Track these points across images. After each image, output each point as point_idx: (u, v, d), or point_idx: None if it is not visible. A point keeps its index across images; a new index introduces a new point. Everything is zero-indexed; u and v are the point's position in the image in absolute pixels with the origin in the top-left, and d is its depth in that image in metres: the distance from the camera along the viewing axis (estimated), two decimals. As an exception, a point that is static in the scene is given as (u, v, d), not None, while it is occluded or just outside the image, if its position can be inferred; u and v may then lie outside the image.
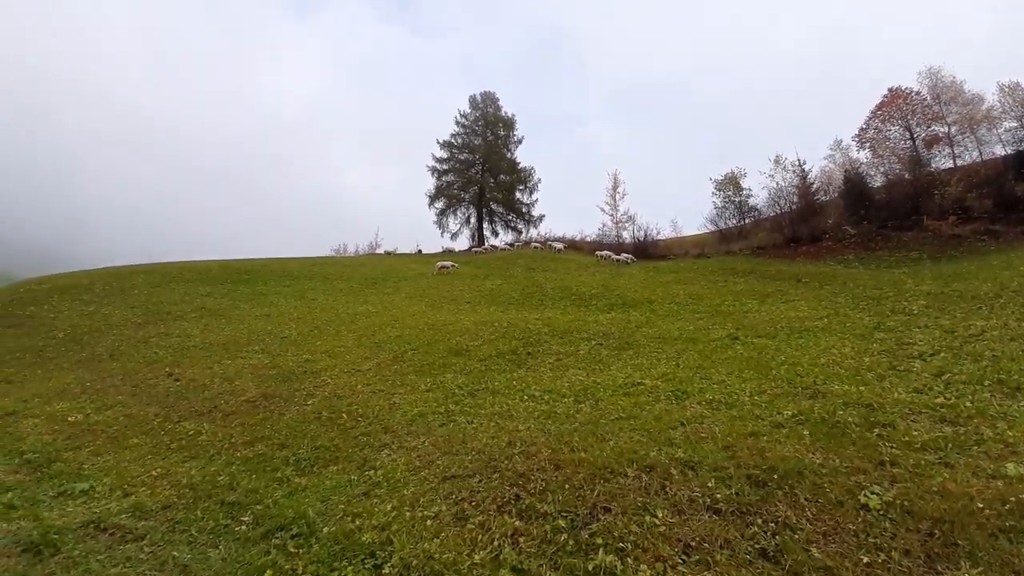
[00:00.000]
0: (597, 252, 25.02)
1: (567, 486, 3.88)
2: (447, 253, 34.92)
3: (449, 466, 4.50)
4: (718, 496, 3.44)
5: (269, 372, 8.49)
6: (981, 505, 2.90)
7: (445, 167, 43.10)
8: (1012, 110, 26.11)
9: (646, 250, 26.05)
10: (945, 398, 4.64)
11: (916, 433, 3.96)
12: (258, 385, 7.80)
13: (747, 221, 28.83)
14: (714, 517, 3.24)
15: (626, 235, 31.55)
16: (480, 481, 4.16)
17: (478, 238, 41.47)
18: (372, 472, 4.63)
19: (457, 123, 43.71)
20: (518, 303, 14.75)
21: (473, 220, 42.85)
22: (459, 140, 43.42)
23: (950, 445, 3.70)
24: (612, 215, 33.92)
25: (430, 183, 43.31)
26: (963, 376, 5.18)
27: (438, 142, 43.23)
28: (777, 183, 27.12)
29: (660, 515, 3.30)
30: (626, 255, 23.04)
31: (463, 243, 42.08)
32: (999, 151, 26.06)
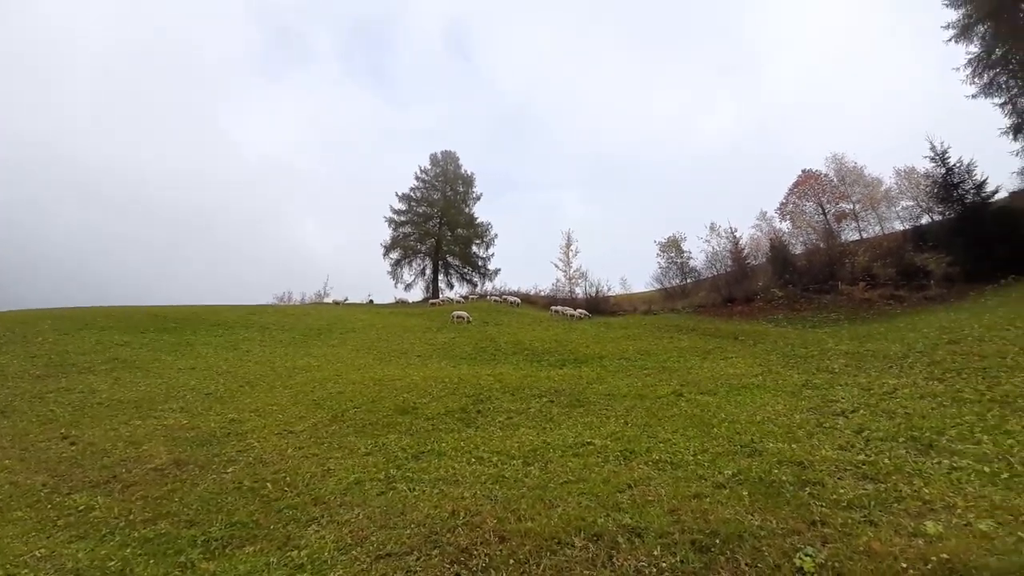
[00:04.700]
0: (552, 307, 25.50)
1: (512, 561, 3.65)
2: (400, 303, 34.27)
3: (385, 542, 4.11)
4: (664, 565, 3.36)
5: (185, 434, 7.62)
6: (905, 565, 3.02)
7: (403, 219, 43.46)
8: (907, 191, 30.60)
9: (598, 306, 26.90)
10: (866, 455, 4.93)
11: (843, 491, 4.14)
12: (170, 450, 6.94)
13: (688, 281, 30.87)
14: (660, 589, 3.14)
15: (578, 291, 32.56)
16: (418, 559, 3.82)
17: (433, 290, 41.21)
18: (295, 552, 4.13)
19: (417, 178, 44.79)
20: (470, 358, 14.50)
21: (428, 272, 42.80)
22: (418, 194, 44.26)
23: (873, 503, 3.88)
24: (565, 271, 35.08)
25: (386, 235, 43.33)
26: (880, 433, 5.56)
27: (397, 195, 43.88)
28: (713, 248, 29.56)
29: (606, 590, 3.16)
30: (581, 311, 23.62)
31: (417, 294, 41.64)
32: (898, 226, 30.14)
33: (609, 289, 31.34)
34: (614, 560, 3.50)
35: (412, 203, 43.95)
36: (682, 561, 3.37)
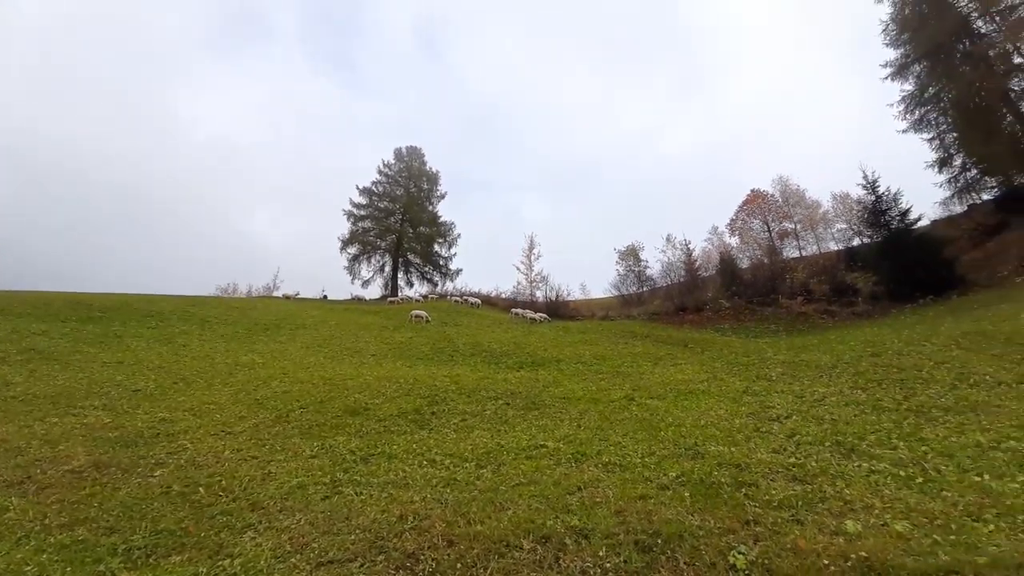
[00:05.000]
0: (512, 310, 25.59)
1: (459, 565, 3.60)
2: (356, 300, 33.24)
3: (327, 549, 3.94)
4: (608, 566, 3.43)
5: (108, 434, 7.00)
6: (827, 562, 3.24)
7: (363, 213, 42.28)
8: (842, 214, 33.31)
9: (558, 310, 27.30)
10: (796, 458, 5.28)
11: (774, 492, 4.40)
12: (90, 450, 6.35)
13: (645, 289, 31.99)
14: (604, 589, 3.21)
15: (539, 294, 32.98)
16: (362, 566, 3.69)
17: (392, 287, 40.31)
18: (228, 562, 3.88)
19: (380, 172, 43.76)
20: (427, 358, 14.28)
21: (388, 269, 41.88)
22: (380, 188, 43.23)
23: (800, 503, 4.16)
24: (527, 274, 35.44)
25: (344, 228, 41.96)
26: (809, 437, 5.97)
27: (358, 188, 42.70)
28: (668, 258, 30.89)
29: (552, 592, 3.19)
30: (541, 314, 23.86)
31: (375, 291, 40.61)
32: (833, 246, 32.71)
33: (569, 294, 31.99)
34: (561, 561, 3.53)
35: (373, 197, 42.84)
36: (626, 561, 3.46)
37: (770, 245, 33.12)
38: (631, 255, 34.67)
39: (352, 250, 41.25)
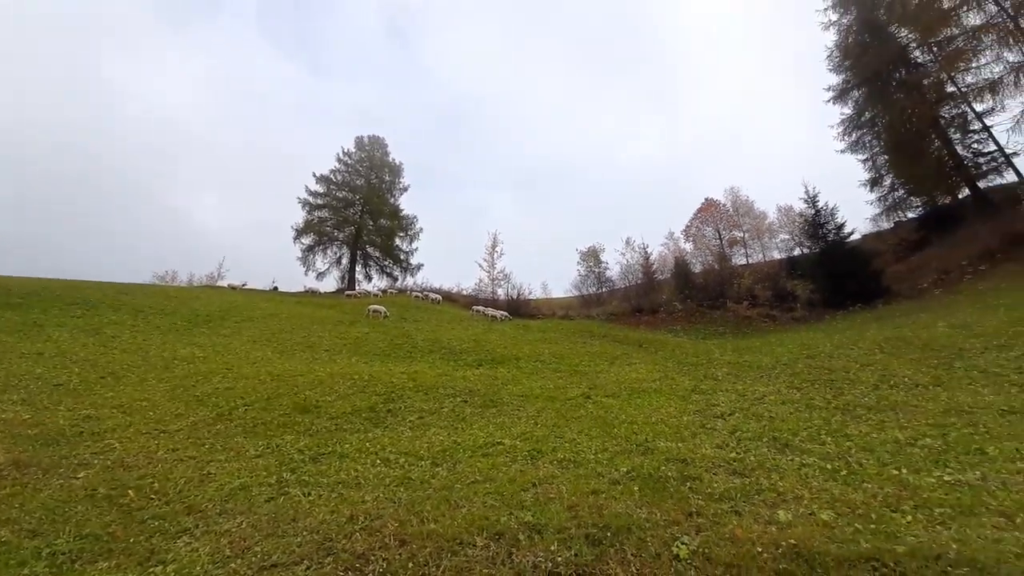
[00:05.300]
0: (474, 307, 25.47)
1: (411, 564, 3.56)
2: (310, 293, 31.97)
3: (271, 552, 3.78)
4: (559, 560, 3.50)
5: (28, 431, 6.37)
6: (760, 549, 3.46)
7: (320, 202, 40.56)
8: (785, 226, 35.60)
9: (519, 308, 27.44)
10: (737, 453, 5.61)
11: (716, 485, 4.66)
12: (8, 448, 5.76)
13: (604, 290, 32.81)
14: (554, 583, 3.27)
15: (501, 292, 32.98)
16: (308, 568, 3.56)
17: (349, 281, 39.04)
18: (160, 568, 3.63)
19: (339, 160, 42.12)
20: (384, 354, 13.96)
21: (345, 261, 40.41)
22: (339, 177, 41.65)
23: (739, 495, 4.42)
24: (489, 272, 35.32)
25: (299, 217, 40.13)
26: (749, 433, 6.36)
27: (315, 175, 40.85)
28: (627, 260, 31.86)
29: (503, 587, 3.22)
30: (502, 312, 23.88)
31: (330, 284, 39.16)
32: (776, 255, 34.96)
33: (531, 292, 32.22)
34: (513, 557, 3.57)
35: (332, 186, 41.21)
36: (576, 554, 3.54)
37: (721, 252, 34.93)
38: (592, 256, 35.47)
39: (307, 240, 39.48)
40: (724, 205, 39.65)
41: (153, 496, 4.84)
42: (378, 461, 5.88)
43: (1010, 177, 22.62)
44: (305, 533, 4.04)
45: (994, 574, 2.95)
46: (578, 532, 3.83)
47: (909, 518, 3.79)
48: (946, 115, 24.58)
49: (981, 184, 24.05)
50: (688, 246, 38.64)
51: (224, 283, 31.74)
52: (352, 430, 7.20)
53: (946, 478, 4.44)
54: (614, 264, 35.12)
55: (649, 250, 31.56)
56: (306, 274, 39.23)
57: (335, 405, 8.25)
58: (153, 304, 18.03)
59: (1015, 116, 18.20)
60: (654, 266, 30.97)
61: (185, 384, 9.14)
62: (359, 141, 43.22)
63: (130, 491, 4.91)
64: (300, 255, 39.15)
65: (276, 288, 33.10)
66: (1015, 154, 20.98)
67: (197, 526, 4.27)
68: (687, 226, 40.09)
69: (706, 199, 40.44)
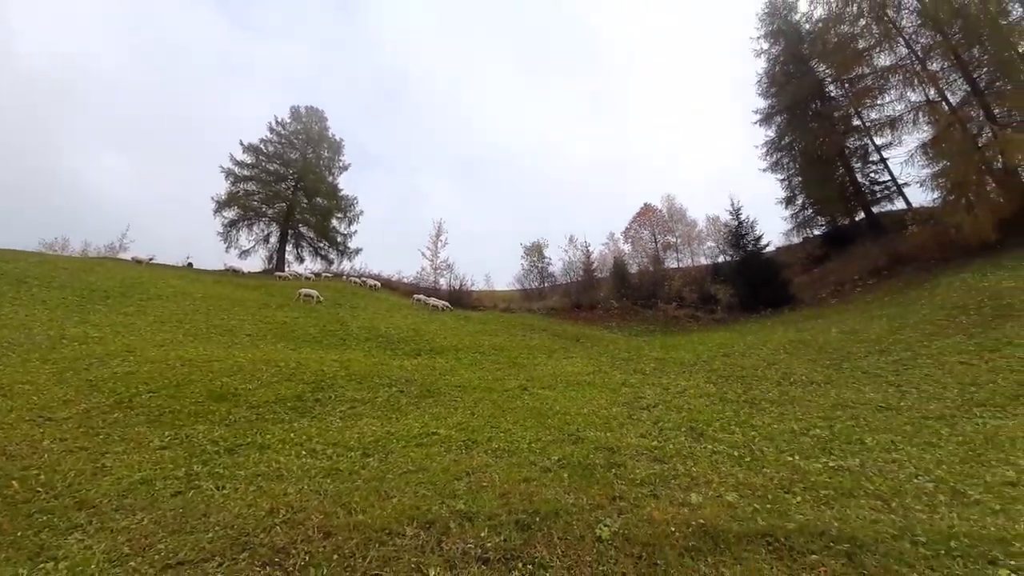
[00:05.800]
0: (415, 296, 24.89)
1: (335, 556, 3.44)
2: (231, 272, 29.46)
3: (177, 549, 3.47)
4: (488, 545, 3.56)
5: None
6: (673, 529, 3.76)
7: (247, 173, 37.18)
8: (712, 234, 38.46)
9: (461, 299, 27.23)
10: (658, 442, 6.03)
11: (638, 471, 4.98)
12: None
13: (546, 285, 33.49)
14: (483, 567, 3.33)
15: (443, 282, 32.53)
16: (221, 565, 3.32)
17: (278, 261, 36.45)
18: (51, 564, 3.23)
19: (272, 130, 38.97)
20: (315, 341, 13.26)
21: (274, 240, 37.60)
22: (271, 148, 38.53)
23: (658, 480, 4.77)
24: (432, 261, 34.68)
25: (222, 188, 36.64)
26: (670, 424, 6.86)
27: (242, 144, 37.37)
28: (570, 257, 32.74)
29: (433, 573, 3.23)
30: (444, 302, 23.56)
31: (255, 263, 36.30)
32: (703, 261, 37.67)
33: (473, 284, 32.03)
34: (443, 545, 3.58)
35: (261, 157, 37.98)
36: (505, 540, 3.63)
37: (655, 255, 37.05)
38: (536, 251, 36.01)
39: (230, 214, 35.98)
40: (661, 211, 42.09)
41: (40, 489, 4.26)
42: (303, 452, 5.61)
43: (900, 204, 26.25)
44: (217, 528, 3.76)
45: (872, 551, 3.40)
46: (508, 518, 3.92)
47: (799, 499, 4.30)
48: (851, 145, 27.87)
49: (875, 209, 27.61)
50: (627, 247, 40.63)
51: (127, 256, 28.30)
52: (275, 420, 6.78)
53: (831, 464, 5.08)
54: (557, 260, 35.92)
55: (591, 249, 32.69)
56: (227, 251, 35.95)
57: (256, 393, 7.72)
58: (39, 274, 15.68)
59: (910, 151, 20.92)
60: (595, 264, 32.12)
61: (75, 367, 8.08)
62: (295, 111, 40.31)
63: (14, 482, 4.28)
64: (221, 230, 35.77)
65: (191, 264, 30.11)
66: (906, 184, 24.22)
67: (91, 522, 3.82)
68: (626, 228, 42.09)
69: (645, 204, 42.71)
